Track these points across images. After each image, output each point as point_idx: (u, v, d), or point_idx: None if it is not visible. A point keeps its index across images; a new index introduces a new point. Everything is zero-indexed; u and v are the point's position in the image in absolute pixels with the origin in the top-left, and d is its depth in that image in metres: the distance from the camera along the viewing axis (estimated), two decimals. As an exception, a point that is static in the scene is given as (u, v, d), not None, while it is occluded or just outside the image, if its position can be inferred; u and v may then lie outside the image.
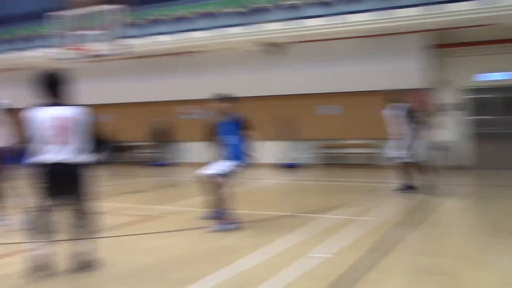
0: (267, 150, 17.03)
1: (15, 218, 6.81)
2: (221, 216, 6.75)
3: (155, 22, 17.66)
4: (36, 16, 18.32)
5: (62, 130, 4.71)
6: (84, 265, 4.82)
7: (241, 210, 7.65)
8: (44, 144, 4.73)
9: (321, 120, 16.50)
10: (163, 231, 6.62)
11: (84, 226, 4.90)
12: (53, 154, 4.72)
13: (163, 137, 18.41)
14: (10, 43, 20.05)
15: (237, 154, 6.85)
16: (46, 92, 4.82)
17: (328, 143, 16.56)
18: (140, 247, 5.72)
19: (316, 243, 5.67)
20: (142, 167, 18.09)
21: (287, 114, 16.56)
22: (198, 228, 6.81)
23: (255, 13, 16.10)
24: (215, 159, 7.06)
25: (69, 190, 4.83)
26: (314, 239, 5.95)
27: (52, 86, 4.83)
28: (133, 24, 17.53)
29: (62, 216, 5.95)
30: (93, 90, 16.61)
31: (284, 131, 16.40)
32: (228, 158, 6.87)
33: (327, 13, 15.05)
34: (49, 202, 4.82)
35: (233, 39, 16.25)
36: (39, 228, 4.80)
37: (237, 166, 6.85)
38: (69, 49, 15.68)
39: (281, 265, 4.79)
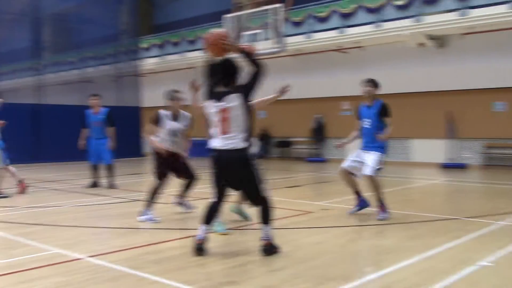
0: (430, 148, 16.30)
1: (192, 205, 7.54)
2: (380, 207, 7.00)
3: (314, 19, 17.84)
4: (213, 18, 19.76)
5: (227, 119, 4.96)
6: (265, 250, 5.05)
7: (398, 210, 7.46)
8: (213, 133, 5.08)
9: (488, 118, 15.28)
10: (319, 226, 6.67)
11: (261, 211, 5.12)
12: (220, 142, 5.02)
13: (322, 133, 18.58)
14: (192, 44, 21.83)
15: (375, 140, 7.01)
16: (216, 80, 5.07)
17: (495, 142, 15.28)
18: (296, 241, 5.82)
19: (481, 250, 5.27)
20: (300, 162, 18.45)
21: (452, 110, 15.64)
22: (353, 226, 6.79)
23: (418, 5, 15.44)
24: (357, 149, 7.33)
25: (238, 178, 5.08)
26: (479, 246, 5.54)
27: (222, 74, 5.05)
28: (293, 22, 17.94)
29: (232, 204, 6.34)
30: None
31: (449, 129, 15.53)
32: (367, 145, 7.13)
33: (499, 0, 13.90)
34: (221, 190, 5.15)
35: (394, 33, 15.80)
36: (208, 215, 5.15)
37: (379, 155, 7.01)
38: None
39: (445, 271, 4.50)
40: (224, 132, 5.01)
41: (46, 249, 5.47)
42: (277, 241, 5.22)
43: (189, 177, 7.45)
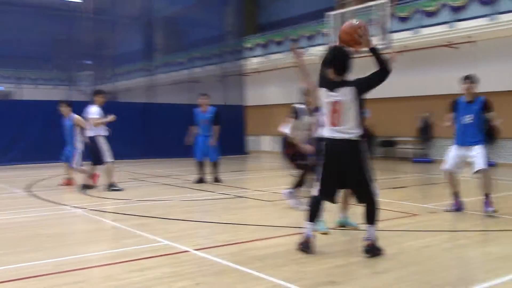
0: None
1: (302, 201, 7.52)
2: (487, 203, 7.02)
3: (422, 13, 17.18)
4: (316, 16, 19.77)
5: (339, 111, 4.91)
6: (368, 251, 4.97)
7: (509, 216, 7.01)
8: (325, 122, 5.06)
9: None
10: (425, 230, 6.43)
11: (367, 210, 5.03)
12: (331, 132, 4.98)
13: (429, 133, 17.84)
14: (295, 42, 21.95)
15: (477, 135, 7.05)
16: (331, 68, 4.99)
17: None
18: (401, 244, 5.64)
19: None
20: (405, 162, 17.88)
21: None
22: (462, 231, 6.45)
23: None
24: (454, 146, 7.36)
25: (348, 170, 4.97)
26: None
27: (336, 62, 4.98)
28: (399, 18, 17.42)
29: (343, 201, 6.25)
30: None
31: None
32: (468, 140, 7.12)
33: None
34: (327, 185, 5.07)
35: (510, 27, 14.79)
36: (312, 211, 5.13)
37: (485, 148, 7.03)
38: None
39: None
40: (336, 124, 4.95)
41: (156, 241, 5.78)
42: (381, 243, 5.10)
43: (305, 171, 7.54)
